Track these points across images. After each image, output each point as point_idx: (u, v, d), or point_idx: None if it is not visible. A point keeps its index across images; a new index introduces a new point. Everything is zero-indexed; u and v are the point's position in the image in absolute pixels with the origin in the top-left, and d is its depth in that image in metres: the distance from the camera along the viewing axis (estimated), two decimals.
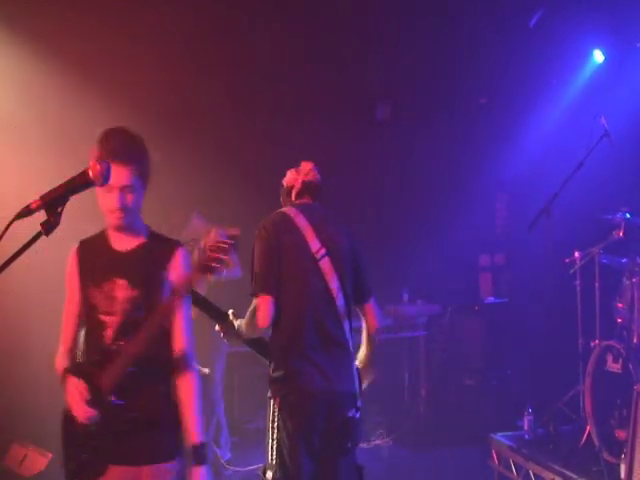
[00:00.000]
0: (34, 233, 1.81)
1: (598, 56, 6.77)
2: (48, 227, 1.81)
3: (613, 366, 4.66)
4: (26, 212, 1.80)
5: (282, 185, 3.45)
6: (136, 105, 5.93)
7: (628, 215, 4.93)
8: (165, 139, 6.11)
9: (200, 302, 3.21)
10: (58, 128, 5.71)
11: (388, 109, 7.27)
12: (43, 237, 1.81)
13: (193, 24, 6.03)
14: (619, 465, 4.20)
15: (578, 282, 5.31)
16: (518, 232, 6.40)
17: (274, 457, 3.04)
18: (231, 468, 5.43)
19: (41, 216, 1.82)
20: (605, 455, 4.43)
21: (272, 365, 3.15)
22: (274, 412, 3.06)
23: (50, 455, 4.91)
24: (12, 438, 5.19)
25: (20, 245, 1.80)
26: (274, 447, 3.05)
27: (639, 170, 6.01)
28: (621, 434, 4.37)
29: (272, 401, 3.09)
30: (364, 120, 7.23)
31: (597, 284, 5.13)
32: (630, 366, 4.47)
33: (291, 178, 3.42)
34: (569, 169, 5.13)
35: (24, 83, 5.63)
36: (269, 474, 3.04)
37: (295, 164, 3.50)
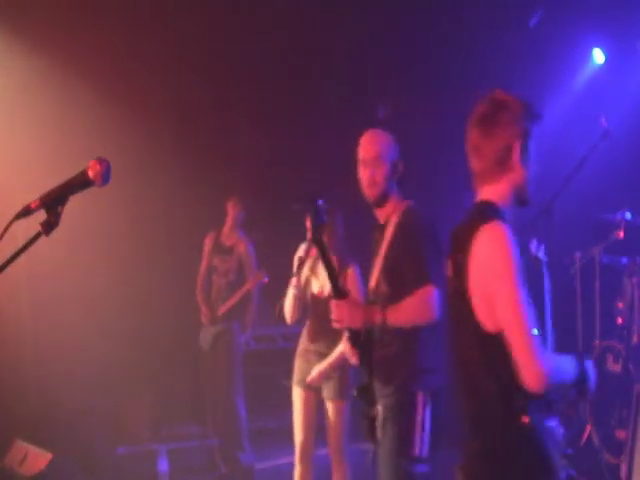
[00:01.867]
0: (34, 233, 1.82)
1: (598, 56, 6.76)
2: (48, 227, 1.80)
3: (613, 366, 4.66)
4: (26, 212, 1.80)
5: (396, 169, 3.30)
6: (136, 105, 5.94)
7: (628, 215, 4.93)
8: (165, 139, 6.12)
9: None
10: (58, 128, 5.71)
11: (388, 109, 7.26)
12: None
13: (192, 22, 6.03)
14: (619, 465, 4.20)
15: (578, 282, 5.31)
16: (518, 232, 6.38)
17: (425, 450, 3.04)
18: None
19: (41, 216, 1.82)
20: (605, 455, 4.43)
21: (418, 358, 3.09)
22: (424, 405, 3.03)
23: (50, 455, 4.90)
24: (12, 438, 5.19)
25: (20, 245, 1.81)
26: (424, 440, 3.04)
27: (639, 170, 6.01)
28: (621, 434, 4.37)
29: (416, 395, 3.04)
30: (364, 120, 7.22)
31: (597, 284, 5.13)
32: (630, 366, 4.47)
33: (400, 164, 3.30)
34: (569, 169, 5.13)
35: (22, 83, 5.64)
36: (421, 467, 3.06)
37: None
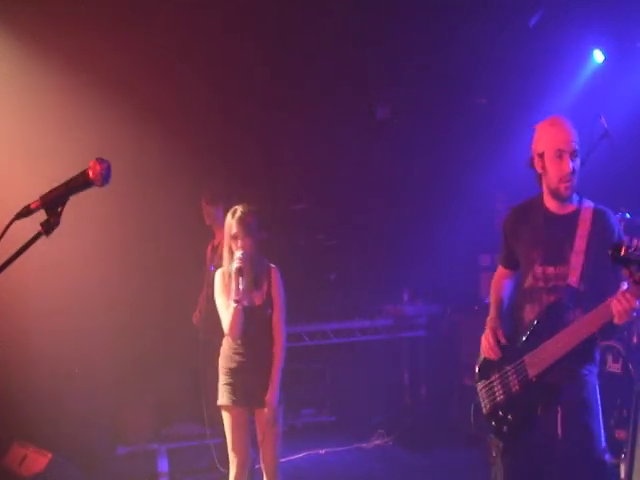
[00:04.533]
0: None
1: (598, 56, 6.76)
2: (48, 227, 1.81)
3: (613, 366, 4.66)
4: (26, 212, 1.80)
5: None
6: (136, 105, 5.94)
7: (628, 215, 4.93)
8: (165, 139, 6.13)
9: None
10: (58, 128, 5.72)
11: (388, 109, 7.27)
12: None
13: (191, 22, 6.03)
14: (619, 465, 4.20)
15: None
16: None
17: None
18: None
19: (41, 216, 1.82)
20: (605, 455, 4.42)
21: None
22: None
23: (50, 455, 4.90)
24: (12, 438, 5.19)
25: (20, 245, 1.81)
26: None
27: (639, 170, 6.01)
28: (621, 434, 4.37)
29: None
30: (364, 120, 7.23)
31: None
32: (630, 366, 4.47)
33: None
34: None
35: (22, 83, 5.64)
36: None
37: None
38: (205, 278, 5.44)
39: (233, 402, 3.91)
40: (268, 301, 3.91)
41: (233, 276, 3.79)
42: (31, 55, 5.60)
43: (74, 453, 5.22)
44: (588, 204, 3.10)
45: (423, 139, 7.07)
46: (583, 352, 2.95)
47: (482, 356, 3.24)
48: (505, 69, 6.60)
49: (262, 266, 3.93)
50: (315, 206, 7.01)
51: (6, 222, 1.78)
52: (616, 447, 4.37)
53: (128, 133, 5.83)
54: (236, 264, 3.77)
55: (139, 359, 6.21)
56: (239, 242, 3.81)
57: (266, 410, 3.84)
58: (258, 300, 3.91)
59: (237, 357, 3.93)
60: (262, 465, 3.99)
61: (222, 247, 4.14)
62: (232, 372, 3.94)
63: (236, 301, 3.78)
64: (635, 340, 4.70)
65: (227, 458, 4.98)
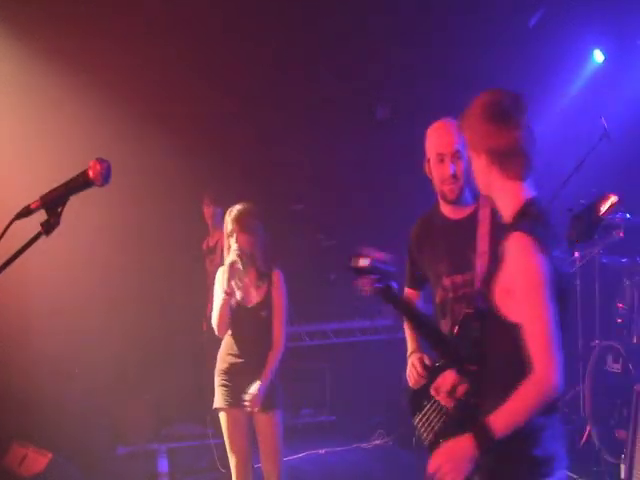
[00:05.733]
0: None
1: (598, 56, 6.77)
2: (48, 227, 1.80)
3: (613, 366, 4.66)
4: (26, 212, 1.80)
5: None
6: (136, 106, 5.94)
7: (628, 215, 4.93)
8: (165, 138, 6.12)
9: None
10: (58, 128, 5.72)
11: (388, 109, 7.26)
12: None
13: (192, 22, 6.03)
14: (619, 465, 4.20)
15: (578, 282, 5.31)
16: None
17: None
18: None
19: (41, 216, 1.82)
20: (605, 455, 4.43)
21: None
22: None
23: (50, 455, 4.90)
24: (12, 438, 5.19)
25: (20, 245, 1.81)
26: None
27: (639, 170, 6.01)
28: (621, 434, 4.37)
29: None
30: (364, 120, 7.23)
31: (597, 284, 5.13)
32: (630, 366, 4.47)
33: None
34: (569, 169, 5.13)
35: (22, 83, 5.64)
36: None
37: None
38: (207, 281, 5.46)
39: (229, 404, 3.89)
40: (265, 303, 3.87)
41: (226, 269, 3.78)
42: (31, 55, 5.60)
43: (74, 453, 5.21)
44: (485, 202, 2.88)
45: (423, 139, 7.06)
46: None
47: (410, 389, 3.03)
48: (505, 69, 6.60)
49: (265, 268, 3.90)
50: (315, 206, 7.00)
51: (6, 222, 1.78)
52: (616, 447, 4.37)
53: (128, 133, 5.84)
54: (230, 258, 3.76)
55: (139, 359, 6.21)
56: (235, 239, 3.80)
57: (246, 403, 3.75)
58: (254, 300, 3.88)
59: (231, 358, 3.92)
60: (262, 468, 3.94)
61: (221, 246, 4.13)
62: (226, 374, 3.92)
63: (226, 293, 3.76)
64: (635, 340, 4.71)
65: (227, 458, 4.97)
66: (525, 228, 2.13)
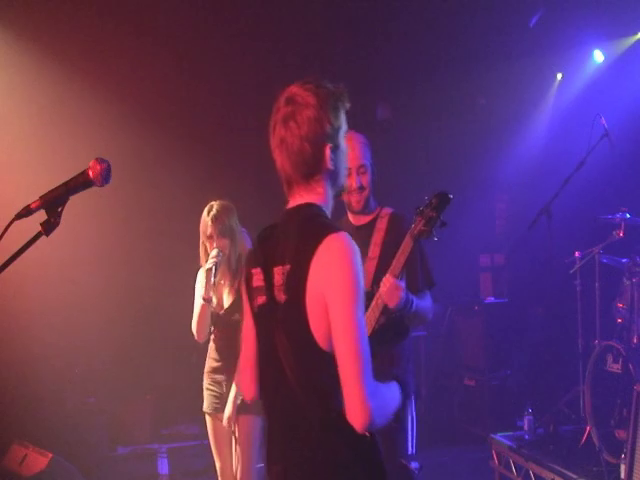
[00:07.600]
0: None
1: (598, 56, 6.77)
2: (48, 227, 1.80)
3: (613, 366, 4.65)
4: (26, 212, 1.80)
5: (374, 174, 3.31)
6: (136, 106, 5.94)
7: (628, 215, 4.92)
8: (166, 139, 6.12)
9: None
10: (57, 128, 5.72)
11: (388, 109, 7.26)
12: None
13: (193, 24, 6.03)
14: (619, 465, 4.20)
15: (578, 282, 5.31)
16: (518, 232, 6.40)
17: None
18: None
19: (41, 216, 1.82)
20: (605, 455, 4.42)
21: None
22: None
23: (50, 455, 4.90)
24: (12, 438, 5.19)
25: (20, 245, 1.81)
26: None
27: (639, 170, 6.01)
28: (621, 434, 4.37)
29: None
30: (364, 120, 7.22)
31: (597, 284, 5.12)
32: (630, 366, 4.46)
33: None
34: (569, 169, 5.13)
35: (21, 83, 5.64)
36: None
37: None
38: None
39: (214, 409, 3.88)
40: (237, 306, 3.69)
41: (205, 274, 3.74)
42: (31, 55, 5.60)
43: (74, 453, 5.21)
44: (386, 211, 3.27)
45: (423, 139, 7.07)
46: (390, 351, 3.08)
47: None
48: (505, 69, 6.61)
49: (239, 269, 3.76)
50: None
51: (6, 222, 1.78)
52: (616, 447, 4.37)
53: (129, 133, 5.84)
54: (209, 265, 3.69)
55: (139, 359, 6.21)
56: (214, 243, 3.75)
57: (224, 423, 3.73)
58: (227, 303, 3.83)
59: (212, 362, 3.91)
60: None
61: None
62: (210, 377, 3.91)
63: (204, 299, 3.72)
64: (635, 340, 4.70)
65: None
66: None
